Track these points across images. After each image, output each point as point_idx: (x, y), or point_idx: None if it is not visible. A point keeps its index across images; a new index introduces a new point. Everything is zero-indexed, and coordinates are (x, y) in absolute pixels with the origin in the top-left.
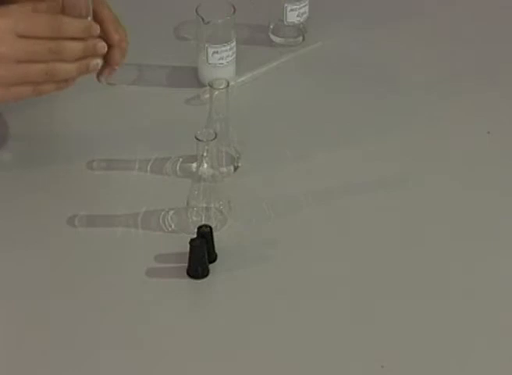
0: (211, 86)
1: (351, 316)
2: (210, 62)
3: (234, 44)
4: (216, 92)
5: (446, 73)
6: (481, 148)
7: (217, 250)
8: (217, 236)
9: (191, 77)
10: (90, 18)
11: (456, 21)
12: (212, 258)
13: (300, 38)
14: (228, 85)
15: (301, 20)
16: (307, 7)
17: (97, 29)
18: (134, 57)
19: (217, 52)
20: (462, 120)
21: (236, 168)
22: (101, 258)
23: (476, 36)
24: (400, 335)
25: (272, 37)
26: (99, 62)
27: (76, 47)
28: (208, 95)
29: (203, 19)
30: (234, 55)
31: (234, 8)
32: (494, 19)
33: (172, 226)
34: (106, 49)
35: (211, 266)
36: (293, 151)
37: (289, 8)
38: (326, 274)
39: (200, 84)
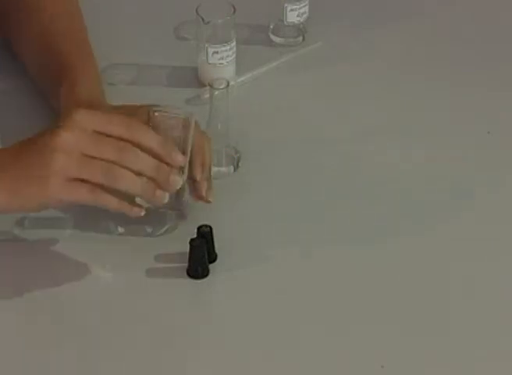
0: (211, 86)
1: (351, 316)
2: (210, 62)
3: (234, 44)
4: (216, 92)
5: (446, 73)
6: (481, 148)
7: (217, 250)
8: (217, 236)
9: (191, 77)
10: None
11: (456, 21)
12: (212, 258)
13: (300, 38)
14: (228, 85)
15: (301, 20)
16: (307, 7)
17: (178, 157)
18: (134, 57)
19: (217, 52)
20: (462, 120)
21: (236, 168)
22: (101, 258)
23: (476, 36)
24: (400, 335)
25: (272, 37)
26: (166, 196)
27: (147, 159)
28: (207, 95)
29: (203, 19)
30: (234, 55)
31: (234, 8)
32: (494, 19)
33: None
34: (178, 186)
35: (211, 266)
36: (293, 151)
37: (289, 8)
38: (326, 274)
39: (200, 84)
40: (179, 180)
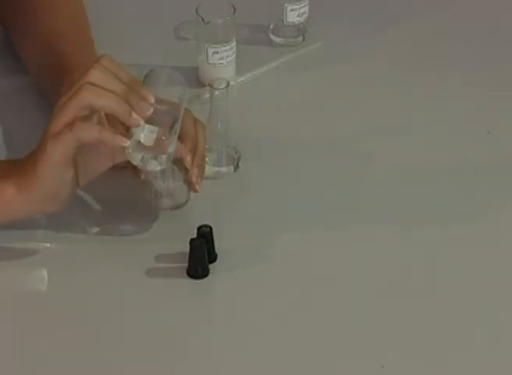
0: (211, 86)
1: (351, 316)
2: (210, 62)
3: (234, 44)
4: (216, 92)
5: (446, 73)
6: (481, 148)
7: (217, 250)
8: (217, 236)
9: (191, 77)
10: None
11: (456, 21)
12: (212, 258)
13: (300, 38)
14: (228, 85)
15: (301, 20)
16: (307, 7)
17: (147, 94)
18: (134, 57)
19: (217, 52)
20: (462, 120)
21: (236, 168)
22: (101, 257)
23: (476, 36)
24: (400, 335)
25: (272, 37)
26: (141, 121)
27: (119, 82)
28: (208, 95)
29: (203, 19)
30: (234, 55)
31: (234, 8)
32: (494, 19)
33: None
34: (148, 112)
35: (211, 266)
36: (293, 151)
37: (289, 8)
38: (326, 274)
39: (200, 84)
40: (149, 107)
